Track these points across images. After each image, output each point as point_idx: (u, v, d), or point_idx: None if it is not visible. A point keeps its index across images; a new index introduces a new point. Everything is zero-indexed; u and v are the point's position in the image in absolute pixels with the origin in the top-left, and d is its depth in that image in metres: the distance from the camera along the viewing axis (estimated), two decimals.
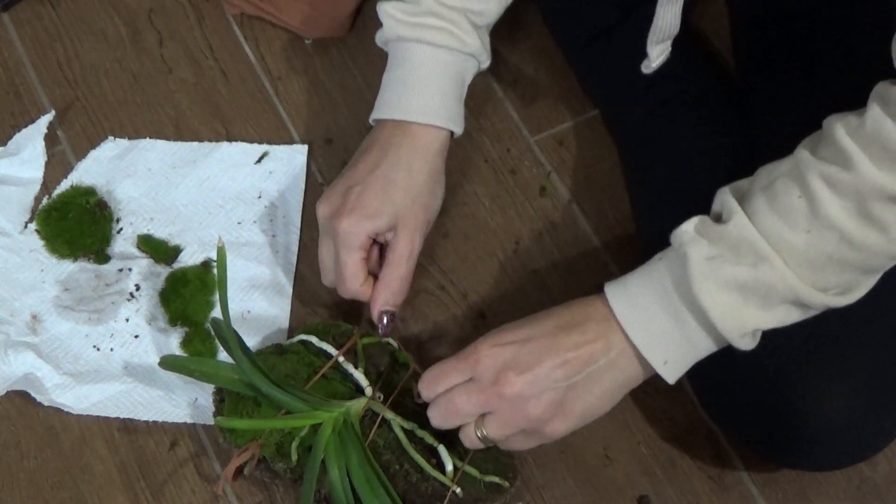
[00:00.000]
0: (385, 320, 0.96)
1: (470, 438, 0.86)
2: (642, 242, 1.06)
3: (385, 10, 0.97)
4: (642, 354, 0.81)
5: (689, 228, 0.80)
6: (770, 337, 0.86)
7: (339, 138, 1.15)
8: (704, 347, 0.81)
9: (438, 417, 0.86)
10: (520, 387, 0.82)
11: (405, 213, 0.95)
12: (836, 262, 0.77)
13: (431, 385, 0.86)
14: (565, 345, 0.82)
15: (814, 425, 0.87)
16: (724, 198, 0.80)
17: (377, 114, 0.98)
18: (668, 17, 0.90)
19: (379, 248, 0.98)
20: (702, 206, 0.85)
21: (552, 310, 0.86)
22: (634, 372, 0.83)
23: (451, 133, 0.98)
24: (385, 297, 0.96)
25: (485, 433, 0.84)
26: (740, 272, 0.77)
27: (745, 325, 0.78)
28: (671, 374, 0.82)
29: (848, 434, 0.87)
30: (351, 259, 0.95)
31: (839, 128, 0.75)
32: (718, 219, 0.80)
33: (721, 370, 0.93)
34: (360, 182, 0.95)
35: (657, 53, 0.94)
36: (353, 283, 0.96)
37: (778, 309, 0.79)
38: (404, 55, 0.97)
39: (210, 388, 0.99)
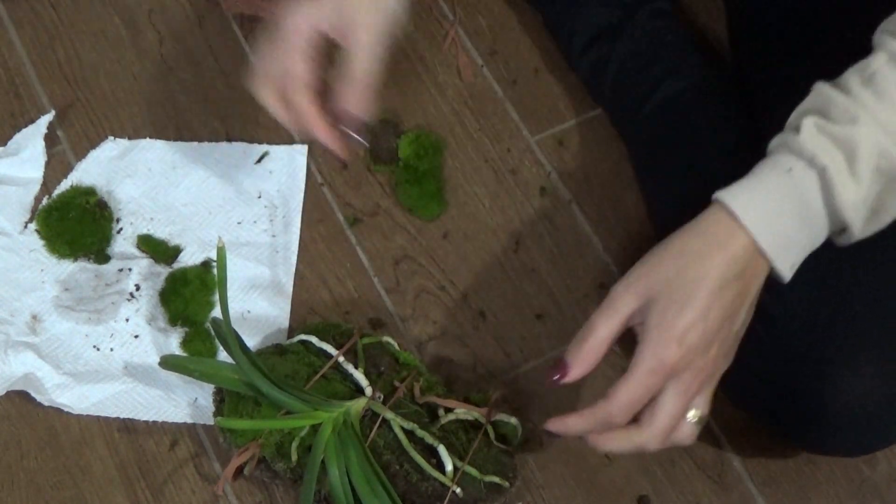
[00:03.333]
0: (361, 134, 0.89)
1: (691, 435, 0.84)
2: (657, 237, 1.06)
3: None
4: (775, 264, 0.81)
5: (814, 134, 0.79)
6: (790, 322, 0.85)
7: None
8: (821, 242, 0.82)
9: (659, 438, 0.82)
10: (714, 360, 0.82)
11: (355, 8, 0.86)
12: None
13: (625, 410, 0.82)
14: (731, 300, 0.81)
15: (840, 410, 0.86)
16: (835, 99, 0.79)
17: None
18: None
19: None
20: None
21: (688, 260, 0.81)
22: (766, 274, 0.83)
23: None
24: (356, 101, 0.87)
25: (700, 413, 0.83)
26: (874, 186, 0.78)
27: (877, 229, 0.81)
28: (791, 271, 0.82)
29: (875, 418, 0.87)
30: (289, 41, 0.85)
31: None
32: (823, 111, 0.80)
33: (745, 353, 0.92)
34: None
35: None
36: (294, 73, 0.86)
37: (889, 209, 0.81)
38: None
39: (210, 387, 0.99)
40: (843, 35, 0.96)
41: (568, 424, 0.84)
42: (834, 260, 0.88)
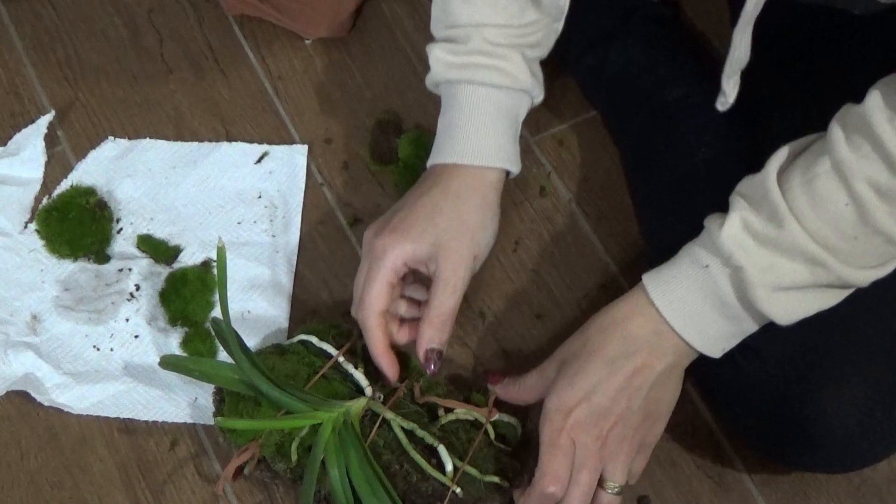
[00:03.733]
0: (433, 360, 0.92)
1: (613, 501, 0.88)
2: (648, 248, 1.06)
3: (433, 54, 0.96)
4: (698, 350, 0.85)
5: (735, 232, 0.80)
6: (775, 348, 0.87)
7: (339, 138, 1.15)
8: (754, 329, 0.85)
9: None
10: (615, 433, 0.85)
11: (449, 243, 0.91)
12: (879, 254, 0.80)
13: (551, 479, 0.86)
14: (626, 376, 0.85)
15: (822, 433, 0.87)
16: (771, 195, 0.79)
17: (432, 159, 0.96)
18: (742, 46, 0.87)
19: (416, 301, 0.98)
20: (706, 210, 0.85)
21: (591, 334, 0.86)
22: (690, 356, 0.87)
23: (508, 172, 0.96)
24: (429, 334, 0.91)
25: (616, 484, 0.87)
26: (799, 277, 0.79)
27: (805, 313, 0.82)
28: (722, 353, 0.86)
29: (857, 440, 0.87)
30: (379, 277, 0.91)
31: (888, 130, 0.75)
32: (757, 205, 0.80)
33: (728, 378, 0.93)
34: (407, 206, 0.93)
35: (732, 87, 0.92)
36: (372, 304, 0.91)
37: (830, 295, 0.82)
38: (454, 97, 0.95)
39: (210, 387, 0.99)
40: (848, 50, 0.96)
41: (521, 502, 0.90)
42: None
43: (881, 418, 0.87)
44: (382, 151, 1.13)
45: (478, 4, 0.94)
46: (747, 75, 1.09)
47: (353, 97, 1.17)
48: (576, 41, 1.14)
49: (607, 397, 0.85)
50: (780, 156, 0.82)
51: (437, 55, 0.96)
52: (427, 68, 0.98)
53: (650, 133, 1.07)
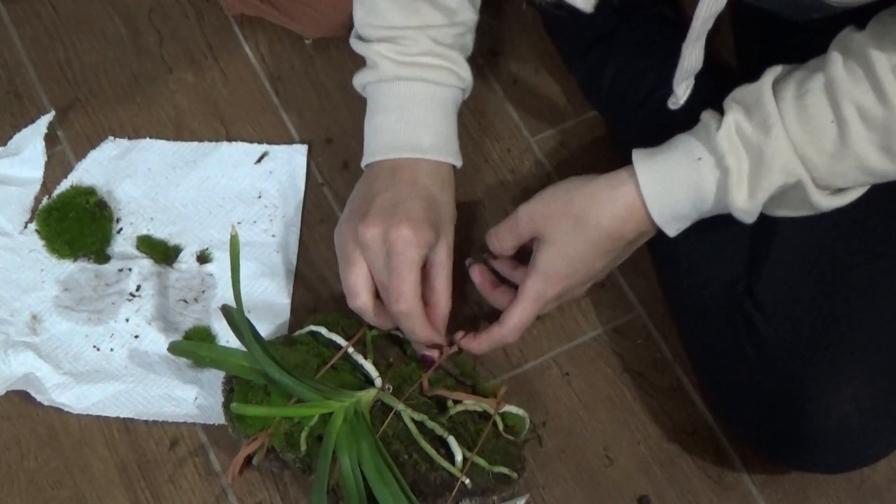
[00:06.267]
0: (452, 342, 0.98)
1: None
2: (649, 247, 1.06)
3: (377, 52, 0.98)
4: (664, 230, 0.90)
5: (729, 134, 0.84)
6: (777, 341, 0.87)
7: (339, 138, 1.15)
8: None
9: (516, 335, 0.97)
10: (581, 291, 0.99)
11: (445, 230, 0.96)
12: (849, 178, 0.84)
13: (516, 332, 0.96)
14: (615, 251, 0.93)
15: (820, 429, 0.87)
16: (764, 100, 0.83)
17: (380, 155, 0.97)
18: (693, 57, 0.89)
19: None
20: None
21: (585, 207, 0.91)
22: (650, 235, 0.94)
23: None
24: (442, 316, 0.96)
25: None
26: (773, 184, 0.84)
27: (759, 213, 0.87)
28: (676, 233, 0.91)
29: (855, 438, 0.87)
30: (413, 267, 0.92)
31: (882, 59, 0.79)
32: (750, 110, 0.84)
33: (729, 373, 0.93)
34: (402, 197, 0.94)
35: (683, 90, 0.94)
36: (414, 294, 0.93)
37: (790, 208, 0.87)
38: (405, 94, 0.98)
39: (210, 387, 0.99)
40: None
41: (471, 347, 0.97)
42: (826, 283, 0.90)
43: (879, 415, 0.87)
44: None
45: (408, 7, 0.97)
46: (745, 68, 1.10)
47: (353, 97, 1.17)
48: (576, 41, 1.14)
49: (595, 270, 0.95)
50: (776, 69, 0.85)
51: (382, 52, 0.98)
52: None
53: (651, 132, 1.07)
